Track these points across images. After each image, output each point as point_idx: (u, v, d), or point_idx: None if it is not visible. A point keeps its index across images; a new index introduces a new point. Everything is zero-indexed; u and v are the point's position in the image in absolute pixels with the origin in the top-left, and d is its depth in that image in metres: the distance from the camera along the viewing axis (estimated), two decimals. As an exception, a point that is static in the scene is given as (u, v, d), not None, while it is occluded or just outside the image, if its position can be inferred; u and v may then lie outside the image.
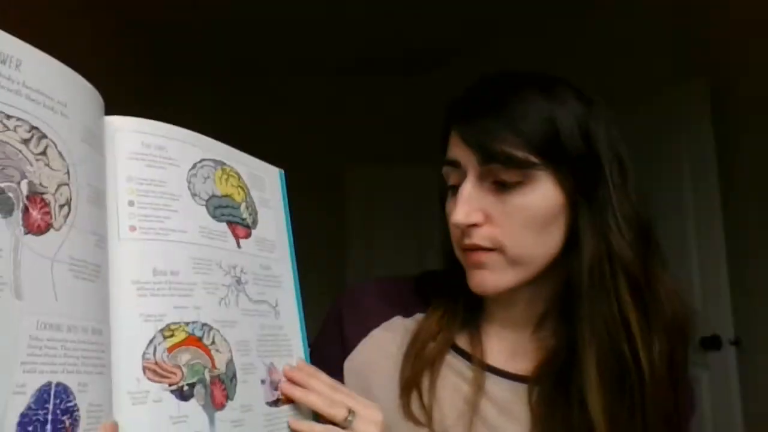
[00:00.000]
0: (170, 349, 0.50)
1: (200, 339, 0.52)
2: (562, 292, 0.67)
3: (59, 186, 0.43)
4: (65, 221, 0.43)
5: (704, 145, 2.49)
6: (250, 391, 0.56)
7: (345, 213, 3.95)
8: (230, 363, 0.54)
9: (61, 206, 0.43)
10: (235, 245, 0.57)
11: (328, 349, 0.73)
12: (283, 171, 0.67)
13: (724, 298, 2.39)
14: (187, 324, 0.51)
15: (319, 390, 0.60)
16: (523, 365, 0.69)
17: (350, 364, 0.72)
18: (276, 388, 0.59)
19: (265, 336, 0.59)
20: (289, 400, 0.60)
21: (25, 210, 0.40)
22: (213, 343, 0.53)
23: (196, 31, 3.60)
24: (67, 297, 0.42)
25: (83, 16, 2.97)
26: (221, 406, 0.52)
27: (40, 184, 0.42)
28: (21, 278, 0.39)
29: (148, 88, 3.94)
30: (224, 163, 0.59)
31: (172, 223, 0.52)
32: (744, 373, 2.36)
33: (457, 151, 0.64)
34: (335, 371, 0.69)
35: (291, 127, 4.10)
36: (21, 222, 0.40)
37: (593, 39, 3.18)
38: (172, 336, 0.50)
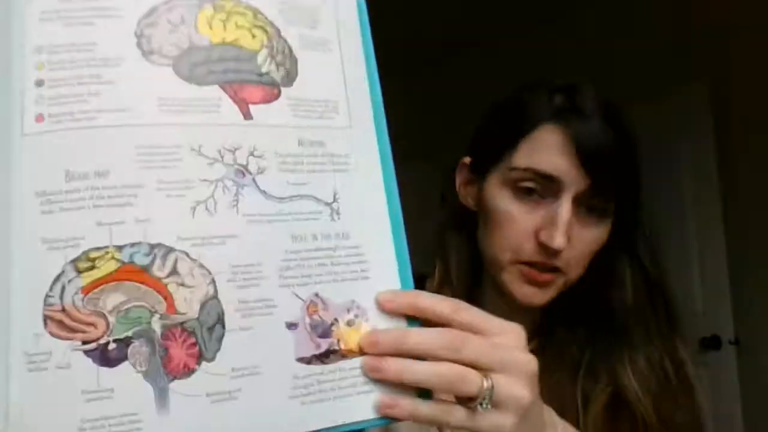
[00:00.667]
0: (86, 289, 0.33)
1: (146, 269, 0.34)
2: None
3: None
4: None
5: (705, 147, 2.49)
6: (259, 344, 0.35)
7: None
8: (210, 301, 0.35)
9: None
10: (240, 116, 0.37)
11: None
12: None
13: (724, 298, 2.39)
14: (119, 249, 0.34)
15: (433, 338, 0.37)
16: None
17: None
18: (323, 333, 0.37)
19: (306, 253, 0.37)
20: (351, 352, 0.38)
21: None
22: (173, 273, 0.34)
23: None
24: None
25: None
26: (185, 370, 0.34)
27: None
28: None
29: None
30: None
31: (103, 102, 0.35)
32: (744, 373, 2.36)
33: (558, 164, 0.59)
34: None
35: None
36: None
37: (593, 41, 3.18)
38: (91, 268, 0.33)
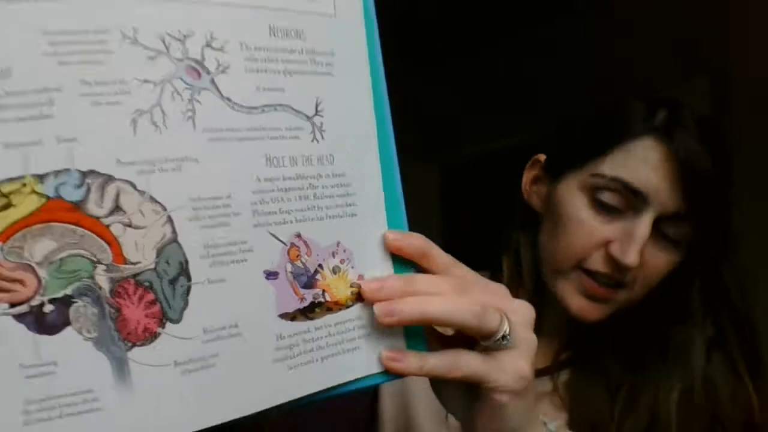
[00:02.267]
0: (4, 235, 0.24)
1: (79, 207, 0.25)
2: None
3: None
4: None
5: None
6: (234, 297, 0.29)
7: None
8: (170, 246, 0.27)
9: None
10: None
11: None
12: None
13: (724, 298, 2.38)
14: (40, 178, 0.25)
15: (448, 287, 0.34)
16: (542, 360, 0.66)
17: (387, 385, 0.65)
18: (307, 283, 0.31)
19: (281, 181, 0.30)
20: (338, 304, 0.33)
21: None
22: (116, 211, 0.26)
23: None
24: None
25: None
26: (145, 334, 0.27)
27: None
28: None
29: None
30: None
31: None
32: (744, 374, 2.35)
33: (652, 179, 0.56)
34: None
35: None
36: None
37: (593, 41, 3.18)
38: (7, 206, 0.24)
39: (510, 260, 0.67)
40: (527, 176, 0.67)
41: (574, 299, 0.60)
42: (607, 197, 0.58)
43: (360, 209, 0.33)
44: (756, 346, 0.63)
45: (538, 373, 0.63)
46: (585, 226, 0.58)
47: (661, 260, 0.58)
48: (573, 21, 3.25)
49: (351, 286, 0.33)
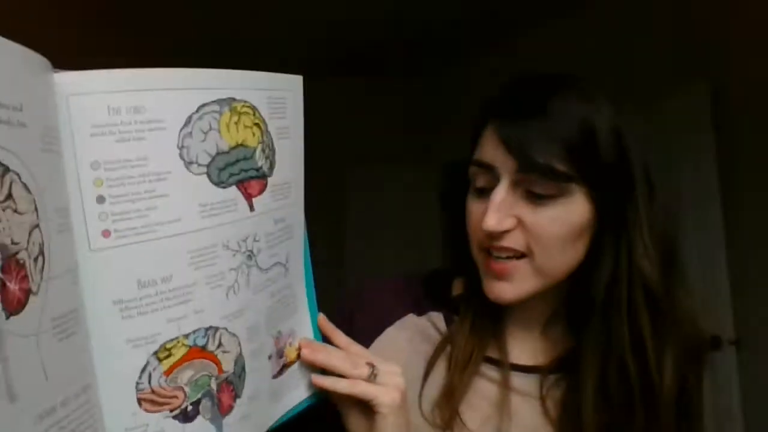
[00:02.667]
0: (168, 372, 0.41)
1: (204, 348, 0.43)
2: (571, 295, 0.67)
3: (30, 231, 0.31)
4: (42, 277, 0.32)
5: (705, 147, 2.49)
6: (258, 375, 0.48)
7: (346, 212, 3.95)
8: (239, 358, 0.46)
9: (35, 258, 0.32)
10: (247, 210, 0.44)
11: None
12: (301, 77, 0.51)
13: (724, 298, 2.39)
14: (186, 336, 0.42)
15: (339, 353, 0.60)
16: (541, 359, 0.69)
17: None
18: (281, 355, 0.52)
19: (276, 304, 0.50)
20: (293, 363, 0.56)
21: (2, 286, 0.29)
22: (220, 345, 0.44)
23: (195, 31, 3.60)
24: (56, 369, 0.33)
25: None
26: (229, 409, 0.45)
27: (12, 242, 0.30)
28: (11, 375, 0.29)
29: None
30: (234, 99, 0.43)
31: (159, 215, 0.39)
32: (744, 373, 2.36)
33: (493, 154, 0.62)
34: None
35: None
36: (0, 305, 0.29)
37: (593, 42, 3.18)
38: (168, 356, 0.41)
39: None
40: None
41: (487, 284, 0.64)
42: (477, 181, 0.64)
43: (298, 308, 0.55)
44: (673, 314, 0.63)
45: (525, 369, 0.68)
46: (471, 212, 0.65)
47: (541, 218, 0.61)
48: (573, 21, 3.26)
49: (297, 349, 0.56)
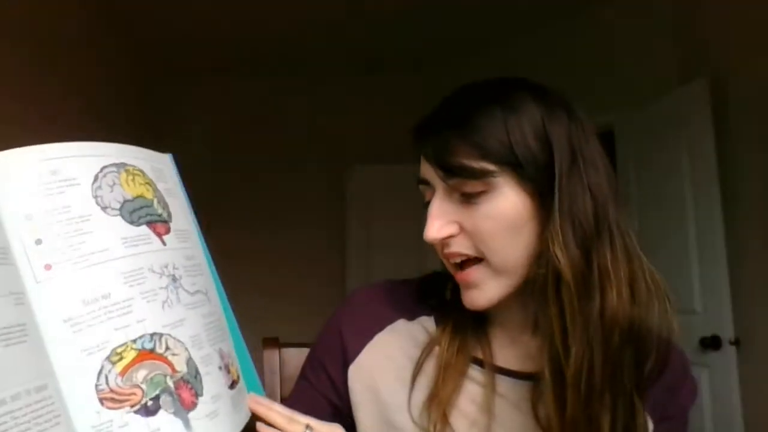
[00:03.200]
0: (122, 372, 0.49)
1: (152, 350, 0.51)
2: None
3: None
4: None
5: (704, 146, 2.49)
6: (214, 380, 0.56)
7: (345, 211, 3.95)
8: (190, 361, 0.53)
9: None
10: (161, 244, 0.55)
11: (328, 359, 0.75)
12: (172, 155, 0.64)
13: (724, 298, 2.39)
14: (134, 341, 0.50)
15: (280, 409, 0.65)
16: (530, 365, 0.69)
17: (356, 368, 0.73)
18: (228, 371, 0.59)
19: (209, 324, 0.58)
20: (237, 382, 0.63)
21: None
22: (167, 348, 0.52)
23: (195, 31, 3.60)
24: (3, 369, 0.42)
25: (79, 17, 2.97)
26: (192, 405, 0.52)
27: None
28: None
29: (147, 89, 3.94)
30: (126, 164, 0.55)
31: (89, 247, 0.50)
32: (744, 373, 2.36)
33: (424, 169, 0.67)
34: (334, 381, 0.74)
35: (292, 127, 4.10)
36: None
37: (593, 41, 3.19)
38: (121, 359, 0.49)
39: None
40: None
41: (462, 294, 0.68)
42: (425, 197, 0.68)
43: (228, 331, 0.63)
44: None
45: (515, 374, 0.69)
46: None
47: (477, 216, 0.64)
48: (573, 21, 3.26)
49: (237, 371, 0.62)
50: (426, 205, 0.68)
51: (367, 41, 3.68)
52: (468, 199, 0.64)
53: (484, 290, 0.65)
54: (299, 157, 4.04)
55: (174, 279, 0.54)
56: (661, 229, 2.70)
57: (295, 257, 3.97)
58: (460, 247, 0.65)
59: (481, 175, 0.62)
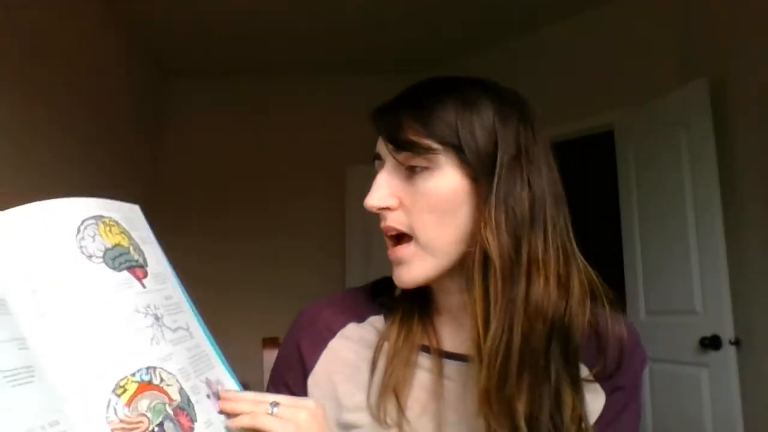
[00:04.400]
0: (128, 403, 0.52)
1: (150, 382, 0.54)
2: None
3: None
4: None
5: (704, 145, 2.49)
6: (204, 408, 0.59)
7: (345, 212, 3.95)
8: (182, 390, 0.57)
9: None
10: (141, 287, 0.59)
11: (289, 376, 0.77)
12: (139, 206, 0.68)
13: (724, 298, 2.39)
14: (133, 374, 0.54)
15: (247, 398, 0.64)
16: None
17: (313, 378, 0.75)
18: (218, 398, 0.62)
19: (193, 357, 0.62)
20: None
21: None
22: (162, 380, 0.55)
23: (196, 31, 3.60)
24: (13, 408, 0.45)
25: (84, 16, 2.97)
26: (190, 430, 0.56)
27: None
28: None
29: (147, 88, 3.95)
30: (102, 216, 0.59)
31: (79, 293, 0.54)
32: (744, 373, 2.36)
33: (379, 144, 0.71)
34: (296, 395, 0.74)
35: (292, 127, 4.10)
36: None
37: (594, 41, 3.19)
38: (124, 391, 0.52)
39: None
40: None
41: (393, 272, 0.71)
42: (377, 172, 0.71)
43: (213, 361, 0.65)
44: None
45: (462, 358, 0.71)
46: None
47: (416, 191, 0.67)
48: (574, 21, 3.26)
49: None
50: None
51: (367, 41, 3.68)
52: (411, 173, 0.68)
53: (410, 268, 0.68)
54: (299, 157, 4.04)
55: (157, 318, 0.58)
56: (661, 228, 2.70)
57: (295, 257, 3.97)
58: (394, 221, 0.68)
59: (425, 150, 0.66)
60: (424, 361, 0.72)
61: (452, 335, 0.74)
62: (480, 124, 0.66)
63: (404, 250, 0.68)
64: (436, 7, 3.26)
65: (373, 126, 0.72)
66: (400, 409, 0.68)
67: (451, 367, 0.71)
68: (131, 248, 0.61)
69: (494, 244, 0.63)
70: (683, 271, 2.56)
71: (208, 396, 0.60)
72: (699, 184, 2.52)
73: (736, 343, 2.36)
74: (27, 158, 2.59)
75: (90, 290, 0.54)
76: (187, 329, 0.63)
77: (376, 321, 0.76)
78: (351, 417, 0.71)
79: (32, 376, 0.48)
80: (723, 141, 2.48)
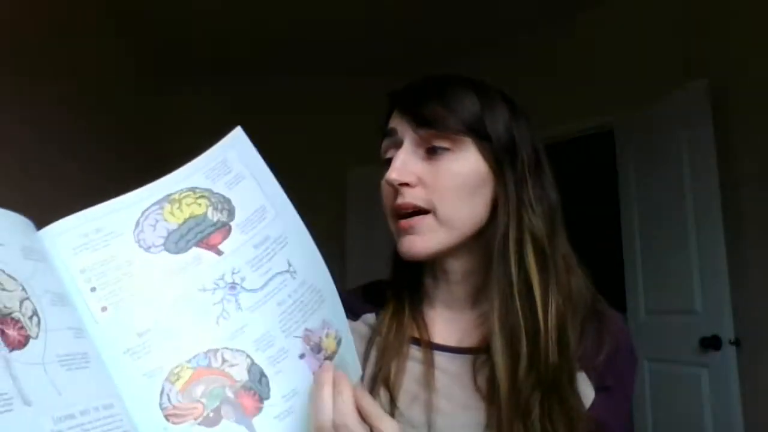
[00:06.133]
0: (182, 390, 0.54)
1: (208, 366, 0.55)
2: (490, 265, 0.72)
3: (21, 302, 0.48)
4: (39, 328, 0.49)
5: (704, 146, 2.49)
6: (289, 377, 0.57)
7: (345, 211, 3.95)
8: (252, 367, 0.56)
9: (30, 317, 0.48)
10: (215, 256, 0.57)
11: None
12: (240, 126, 0.64)
13: (724, 298, 2.39)
14: (188, 361, 0.55)
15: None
16: (468, 341, 0.73)
17: None
18: (318, 350, 0.58)
19: (287, 309, 0.58)
20: (335, 353, 0.59)
21: (2, 332, 0.46)
22: (224, 362, 0.55)
23: (195, 31, 3.60)
24: (69, 388, 0.47)
25: (83, 16, 2.97)
26: (256, 411, 0.55)
27: (5, 307, 0.47)
28: (23, 388, 0.44)
29: (148, 88, 3.95)
30: (170, 195, 0.59)
31: (136, 286, 0.55)
32: (744, 373, 2.36)
33: (395, 121, 0.73)
34: None
35: (292, 127, 4.10)
36: (2, 343, 0.45)
37: (594, 41, 3.19)
38: (178, 378, 0.54)
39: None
40: None
41: (399, 243, 0.72)
42: (384, 154, 0.73)
43: (325, 296, 0.59)
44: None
45: (453, 350, 0.73)
46: (382, 183, 0.72)
47: (438, 170, 0.69)
48: (574, 21, 3.26)
49: (335, 338, 0.59)
50: (386, 161, 0.72)
51: (367, 41, 3.68)
52: (432, 154, 0.69)
53: (423, 238, 0.70)
54: (299, 157, 4.04)
55: (233, 287, 0.57)
56: (661, 229, 2.70)
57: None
58: (413, 198, 0.69)
59: (453, 131, 0.68)
60: (415, 353, 0.73)
61: (443, 328, 0.75)
62: (501, 117, 0.71)
63: (421, 221, 0.69)
64: (436, 8, 3.26)
65: (392, 102, 0.74)
66: (392, 399, 0.69)
67: (442, 358, 0.73)
68: (208, 211, 0.58)
69: (536, 224, 0.69)
70: (683, 271, 2.55)
71: (302, 355, 0.57)
72: (699, 184, 2.52)
73: (736, 343, 2.36)
74: (28, 159, 2.59)
75: (147, 283, 0.56)
76: (289, 269, 0.59)
77: (369, 318, 0.79)
78: None
79: (87, 363, 0.50)
80: (723, 141, 2.47)
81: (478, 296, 0.74)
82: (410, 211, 0.70)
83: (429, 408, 0.69)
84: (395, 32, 3.57)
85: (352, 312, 0.79)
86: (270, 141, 3.90)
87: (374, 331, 0.76)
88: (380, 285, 0.81)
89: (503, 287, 0.68)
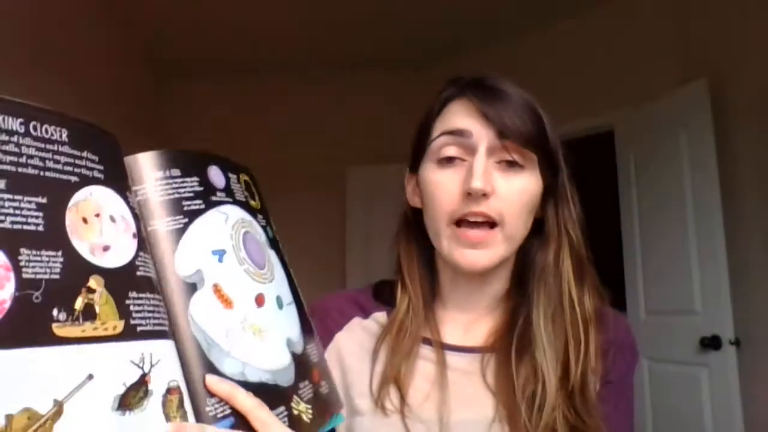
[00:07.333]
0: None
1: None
2: (517, 271, 0.75)
3: None
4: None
5: (704, 146, 2.49)
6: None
7: (345, 211, 3.95)
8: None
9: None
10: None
11: None
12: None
13: (724, 298, 2.39)
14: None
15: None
16: (473, 340, 0.75)
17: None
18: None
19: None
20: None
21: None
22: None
23: (196, 31, 3.60)
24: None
25: (81, 17, 2.97)
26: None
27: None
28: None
29: (148, 88, 3.95)
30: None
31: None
32: (744, 373, 2.36)
33: (470, 122, 0.69)
34: None
35: (292, 127, 4.10)
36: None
37: (595, 41, 3.19)
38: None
39: (398, 269, 0.80)
40: (407, 188, 0.79)
41: (458, 252, 0.69)
42: (445, 152, 0.70)
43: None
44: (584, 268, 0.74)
45: (463, 349, 0.74)
46: (439, 182, 0.70)
47: (513, 185, 0.69)
48: (574, 22, 3.26)
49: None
50: (446, 160, 0.70)
51: (367, 41, 3.68)
52: (507, 167, 0.69)
53: (490, 252, 0.69)
54: (299, 156, 4.03)
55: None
56: (661, 228, 2.70)
57: (295, 257, 3.95)
58: (489, 209, 0.68)
59: (532, 145, 0.68)
60: (427, 352, 0.74)
61: (455, 329, 0.76)
62: (554, 134, 0.72)
63: (492, 236, 0.69)
64: (436, 8, 3.26)
65: (464, 99, 0.71)
66: (402, 397, 0.70)
67: (452, 357, 0.73)
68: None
69: (576, 233, 0.73)
70: (683, 271, 2.55)
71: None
72: (699, 184, 2.51)
73: (736, 343, 2.36)
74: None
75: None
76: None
77: (380, 317, 0.79)
78: (356, 402, 0.73)
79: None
80: (723, 141, 2.47)
81: (498, 303, 0.76)
82: (480, 221, 0.68)
83: (442, 406, 0.70)
84: (395, 33, 3.57)
85: (361, 310, 0.80)
86: (270, 141, 3.91)
87: (385, 329, 0.76)
88: (391, 284, 0.81)
89: (554, 299, 0.71)
